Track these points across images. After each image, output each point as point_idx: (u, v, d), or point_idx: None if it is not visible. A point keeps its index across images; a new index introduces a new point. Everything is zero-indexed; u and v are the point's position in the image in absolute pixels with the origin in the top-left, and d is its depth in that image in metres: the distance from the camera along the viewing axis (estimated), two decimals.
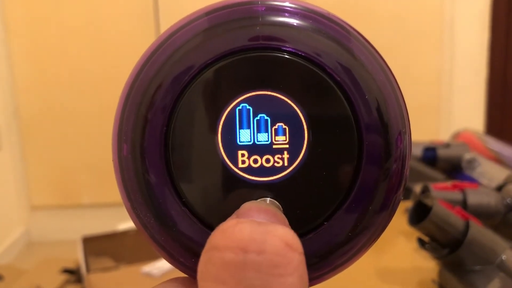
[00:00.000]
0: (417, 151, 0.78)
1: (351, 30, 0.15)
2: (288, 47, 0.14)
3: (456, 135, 0.92)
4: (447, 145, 0.79)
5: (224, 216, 0.14)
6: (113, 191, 0.19)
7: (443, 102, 1.87)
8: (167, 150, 0.14)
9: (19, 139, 1.89)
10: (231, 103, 0.14)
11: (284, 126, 0.14)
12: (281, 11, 0.14)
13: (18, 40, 1.82)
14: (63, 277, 1.55)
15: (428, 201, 0.44)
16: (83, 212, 1.92)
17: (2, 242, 1.93)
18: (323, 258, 0.14)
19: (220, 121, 0.14)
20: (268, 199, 0.14)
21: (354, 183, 0.14)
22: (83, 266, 1.47)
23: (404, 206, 0.55)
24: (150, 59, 0.14)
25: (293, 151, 0.14)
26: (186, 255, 0.14)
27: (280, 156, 0.14)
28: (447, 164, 0.77)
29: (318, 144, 0.14)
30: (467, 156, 0.76)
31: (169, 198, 0.14)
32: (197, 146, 0.14)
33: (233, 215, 0.13)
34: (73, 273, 1.58)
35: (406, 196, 0.62)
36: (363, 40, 0.15)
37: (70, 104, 1.84)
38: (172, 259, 0.14)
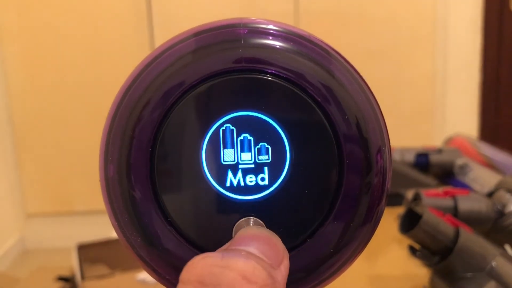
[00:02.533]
0: (409, 157, 0.79)
1: (332, 52, 0.15)
2: (270, 69, 0.14)
3: (449, 141, 0.93)
4: (439, 151, 0.79)
5: (209, 234, 0.14)
6: None
7: (436, 106, 1.88)
8: (153, 170, 0.14)
9: (13, 146, 1.89)
10: (215, 124, 0.14)
11: (267, 146, 0.14)
12: (263, 33, 0.15)
13: (12, 46, 1.82)
14: (58, 285, 1.54)
15: (418, 209, 0.45)
16: (78, 219, 1.92)
17: None
18: (308, 272, 0.15)
19: (204, 141, 0.14)
20: (252, 218, 0.14)
21: (336, 199, 0.14)
22: (78, 274, 1.47)
23: (396, 213, 0.55)
24: (138, 78, 0.15)
25: (276, 170, 0.14)
26: (172, 273, 0.14)
27: (263, 175, 0.14)
28: (440, 169, 0.78)
29: (300, 163, 0.14)
30: (459, 161, 0.77)
31: (155, 218, 0.14)
32: (182, 165, 0.14)
33: (227, 245, 0.13)
34: (68, 281, 1.57)
35: (398, 203, 0.63)
36: (343, 61, 0.15)
37: (64, 111, 1.84)
38: (159, 276, 0.15)
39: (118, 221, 0.14)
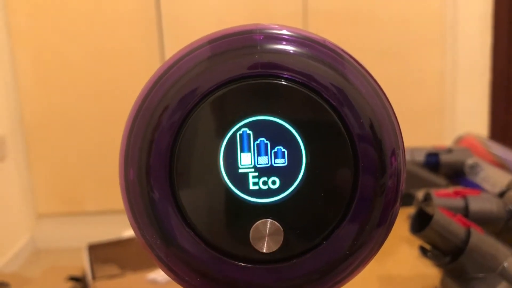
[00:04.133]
0: (419, 157, 0.79)
1: (345, 55, 0.15)
2: (285, 74, 0.15)
3: (459, 140, 0.92)
4: (449, 150, 0.79)
5: (226, 237, 0.14)
6: (118, 198, 0.19)
7: (446, 105, 1.87)
8: (172, 173, 0.15)
9: (24, 147, 1.90)
10: (232, 128, 0.15)
11: (283, 149, 0.15)
12: (278, 39, 0.15)
13: (23, 48, 1.84)
14: (69, 285, 1.55)
15: (429, 209, 0.45)
16: (88, 219, 1.93)
17: (8, 250, 1.94)
18: (324, 274, 0.15)
19: (222, 145, 0.15)
20: (269, 220, 0.14)
21: (352, 201, 0.15)
22: (89, 274, 1.48)
23: (407, 213, 0.55)
24: (157, 83, 0.15)
25: (292, 173, 0.15)
26: (191, 274, 0.15)
27: (279, 178, 0.15)
28: (450, 169, 0.78)
29: (316, 166, 0.15)
30: (470, 161, 0.76)
31: (173, 220, 0.15)
32: (200, 169, 0.15)
33: None
34: (79, 281, 1.58)
35: (408, 203, 0.63)
36: (357, 65, 0.15)
37: (75, 112, 1.86)
38: (178, 278, 0.15)
39: (138, 223, 0.15)
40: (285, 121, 0.15)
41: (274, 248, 0.14)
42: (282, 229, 0.14)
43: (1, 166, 1.81)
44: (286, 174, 0.15)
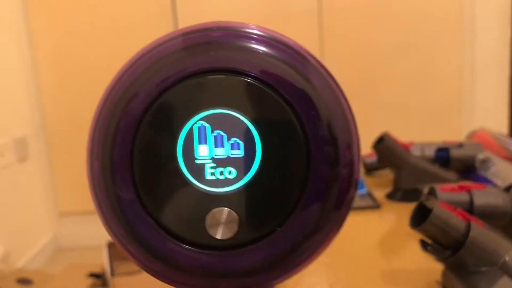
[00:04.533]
0: (429, 152, 0.78)
1: (306, 55, 0.16)
2: (242, 70, 0.15)
3: (471, 135, 0.91)
4: (460, 145, 0.79)
5: (185, 225, 0.15)
6: None
7: (464, 101, 1.85)
8: (133, 164, 0.15)
9: (46, 148, 1.95)
10: (190, 121, 0.15)
11: (239, 141, 0.15)
12: (239, 36, 0.15)
13: (44, 51, 1.88)
14: (90, 281, 1.58)
15: (429, 203, 0.45)
16: None
17: (32, 248, 1.99)
18: (281, 259, 0.15)
19: (180, 137, 0.15)
20: (225, 208, 0.15)
21: (304, 191, 0.15)
22: (108, 270, 1.51)
23: (411, 208, 0.55)
24: (120, 78, 0.16)
25: (247, 164, 0.15)
26: (152, 260, 0.16)
27: (236, 168, 0.15)
28: (461, 164, 0.77)
29: (270, 157, 0.15)
30: (480, 156, 0.76)
31: (135, 209, 0.15)
32: (160, 159, 0.15)
33: None
34: (99, 277, 1.61)
35: (416, 198, 0.62)
36: (314, 63, 0.16)
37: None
38: (139, 263, 0.16)
39: (103, 213, 0.16)
40: (241, 115, 0.15)
41: (229, 235, 0.15)
42: (237, 217, 0.15)
43: (23, 167, 1.86)
44: (242, 165, 0.15)
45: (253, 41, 0.16)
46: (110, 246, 1.51)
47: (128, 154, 0.15)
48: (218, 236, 0.15)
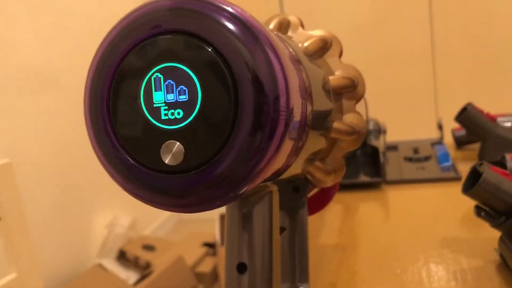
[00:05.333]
0: None
1: (244, 18, 0.19)
2: (185, 29, 0.19)
3: None
4: None
5: (145, 153, 0.20)
6: None
7: None
8: (110, 104, 0.20)
9: None
10: (149, 73, 0.20)
11: (184, 88, 0.19)
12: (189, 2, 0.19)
13: None
14: (203, 249, 1.72)
15: (480, 168, 0.44)
16: None
17: (157, 219, 2.20)
18: (220, 181, 0.19)
19: (142, 86, 0.20)
20: (175, 141, 0.19)
21: (233, 127, 0.19)
22: (218, 240, 1.63)
23: None
24: (109, 33, 0.21)
25: (192, 106, 0.19)
26: (122, 178, 0.20)
27: (182, 110, 0.19)
28: None
29: (208, 101, 0.19)
30: None
31: (112, 141, 0.20)
32: (128, 103, 0.20)
33: None
34: (212, 247, 1.75)
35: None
36: (257, 33, 0.19)
37: None
38: (116, 180, 0.21)
39: (92, 142, 0.21)
40: (186, 67, 0.19)
41: (178, 161, 0.19)
42: (183, 148, 0.19)
43: None
44: (187, 107, 0.19)
45: (206, 9, 0.19)
46: (222, 218, 1.62)
47: (107, 98, 0.20)
48: (171, 162, 0.20)
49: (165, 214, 2.23)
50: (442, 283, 0.43)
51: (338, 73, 0.32)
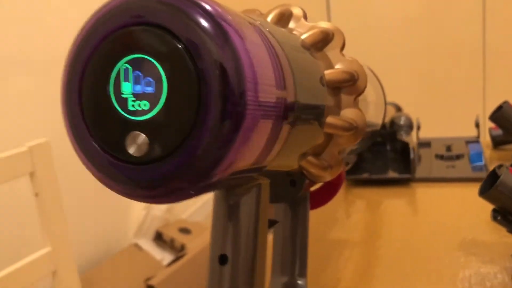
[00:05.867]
0: None
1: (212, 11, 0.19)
2: (156, 23, 0.19)
3: None
4: None
5: (113, 143, 0.20)
6: None
7: None
8: (81, 95, 0.21)
9: None
10: (118, 64, 0.20)
11: (151, 80, 0.19)
12: None
13: None
14: None
15: (499, 171, 0.42)
16: None
17: (195, 203, 2.24)
18: (187, 171, 0.19)
19: (111, 77, 0.20)
20: (140, 132, 0.20)
21: (197, 119, 0.19)
22: None
23: None
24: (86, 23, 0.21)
25: (157, 98, 0.19)
26: (94, 168, 0.21)
27: (149, 101, 0.20)
28: None
29: (174, 94, 0.19)
30: None
31: (83, 130, 0.21)
32: (99, 93, 0.20)
33: None
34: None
35: None
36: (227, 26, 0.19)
37: None
38: (89, 169, 0.21)
39: (67, 130, 0.21)
40: (152, 59, 0.19)
41: (143, 152, 0.20)
42: (148, 139, 0.20)
43: None
44: (153, 99, 0.20)
45: (176, 2, 0.20)
46: None
47: (79, 88, 0.21)
48: (134, 153, 0.20)
49: (202, 199, 2.27)
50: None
51: (338, 66, 0.32)
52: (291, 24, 0.33)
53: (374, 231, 0.57)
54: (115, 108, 0.20)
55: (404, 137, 0.78)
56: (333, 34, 0.32)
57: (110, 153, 0.20)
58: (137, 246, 1.65)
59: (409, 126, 0.85)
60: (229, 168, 0.20)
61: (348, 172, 0.74)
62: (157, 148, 0.19)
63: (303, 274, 0.39)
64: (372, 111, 0.44)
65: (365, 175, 0.73)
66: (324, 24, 0.32)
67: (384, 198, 0.69)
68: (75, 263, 0.98)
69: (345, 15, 1.92)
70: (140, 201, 0.21)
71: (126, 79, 0.20)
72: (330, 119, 0.29)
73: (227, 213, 0.28)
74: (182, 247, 1.68)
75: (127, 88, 0.20)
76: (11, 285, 0.85)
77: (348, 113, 0.31)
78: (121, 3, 0.20)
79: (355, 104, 0.32)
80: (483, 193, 0.42)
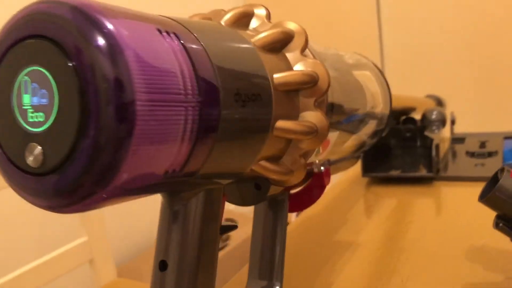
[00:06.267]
0: None
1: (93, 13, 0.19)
2: (50, 35, 0.19)
3: None
4: None
5: (15, 154, 0.20)
6: None
7: None
8: None
9: None
10: (19, 76, 0.20)
11: (46, 92, 0.19)
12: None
13: None
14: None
15: (501, 175, 0.39)
16: None
17: None
18: (80, 182, 0.19)
19: (14, 88, 0.20)
20: (35, 144, 0.20)
21: (83, 128, 0.19)
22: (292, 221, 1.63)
23: None
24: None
25: (50, 109, 0.19)
26: (4, 175, 0.21)
27: (44, 113, 0.20)
28: None
29: (63, 105, 0.19)
30: None
31: None
32: (4, 105, 0.21)
33: None
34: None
35: None
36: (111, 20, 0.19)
37: None
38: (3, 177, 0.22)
39: None
40: (45, 70, 0.19)
41: (39, 163, 0.20)
42: (42, 150, 0.20)
43: None
44: (47, 111, 0.20)
45: (64, 13, 0.20)
46: None
47: None
48: (32, 164, 0.20)
49: None
50: None
51: (297, 68, 0.30)
52: (254, 24, 0.32)
53: (383, 232, 0.55)
54: (18, 119, 0.20)
55: (435, 132, 0.74)
56: (292, 35, 0.30)
57: (15, 163, 0.21)
58: None
59: (442, 121, 0.80)
60: (122, 180, 0.20)
61: (370, 169, 0.71)
62: (50, 159, 0.20)
63: (279, 278, 0.38)
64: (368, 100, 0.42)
65: (382, 173, 0.70)
66: (289, 25, 0.31)
67: (405, 196, 0.66)
68: (112, 253, 1.02)
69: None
70: (47, 210, 0.21)
71: (26, 91, 0.20)
72: (280, 123, 0.28)
73: (170, 219, 0.28)
74: (227, 238, 1.70)
75: (27, 100, 0.20)
76: (50, 272, 0.90)
77: (308, 116, 0.30)
78: (23, 16, 0.20)
79: (315, 107, 0.30)
80: (482, 197, 0.39)
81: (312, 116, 0.30)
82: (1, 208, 1.23)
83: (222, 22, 0.30)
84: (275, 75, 0.28)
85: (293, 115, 0.30)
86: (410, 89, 1.05)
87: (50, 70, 0.19)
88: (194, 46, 0.23)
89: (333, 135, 0.36)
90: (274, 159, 0.30)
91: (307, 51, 0.34)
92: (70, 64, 0.19)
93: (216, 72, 0.24)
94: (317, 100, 0.30)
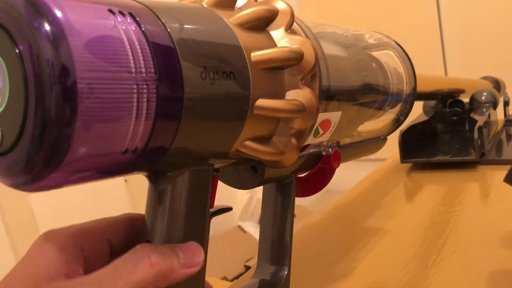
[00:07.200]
0: None
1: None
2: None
3: None
4: None
5: None
6: None
7: None
8: None
9: None
10: None
11: (0, 76, 0.21)
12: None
13: None
14: None
15: None
16: None
17: None
18: (31, 162, 0.20)
19: None
20: None
21: (36, 115, 0.19)
22: None
23: None
24: None
25: (4, 92, 0.20)
26: None
27: (0, 95, 0.21)
28: None
29: (13, 88, 0.20)
30: None
31: None
32: None
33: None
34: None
35: None
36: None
37: None
38: None
39: None
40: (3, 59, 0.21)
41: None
42: (1, 131, 0.21)
43: None
44: (2, 94, 0.21)
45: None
46: None
47: None
48: None
49: None
50: None
51: (281, 45, 0.29)
52: (240, 3, 0.31)
53: (411, 220, 0.52)
54: None
55: (479, 115, 0.70)
56: (276, 13, 0.30)
57: None
58: (240, 228, 1.71)
59: (493, 103, 0.76)
60: (72, 161, 0.20)
61: (409, 155, 0.68)
62: (7, 139, 0.21)
63: (287, 263, 0.37)
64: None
65: (422, 159, 0.67)
66: (274, 3, 0.30)
67: (442, 183, 0.62)
68: None
69: None
70: (19, 190, 0.22)
71: None
72: (261, 102, 0.28)
73: (155, 199, 0.28)
74: None
75: None
76: None
77: (294, 95, 0.29)
78: None
79: (303, 85, 0.29)
80: (507, 178, 0.37)
81: (299, 94, 0.29)
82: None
83: (204, 4, 0.30)
84: (253, 53, 0.28)
85: (278, 94, 0.29)
86: (472, 72, 0.99)
87: (2, 56, 0.20)
88: (152, 24, 0.23)
89: (334, 115, 0.35)
90: (263, 139, 0.30)
91: (298, 30, 0.33)
92: (17, 51, 0.20)
93: (177, 50, 0.23)
94: (304, 77, 0.29)
